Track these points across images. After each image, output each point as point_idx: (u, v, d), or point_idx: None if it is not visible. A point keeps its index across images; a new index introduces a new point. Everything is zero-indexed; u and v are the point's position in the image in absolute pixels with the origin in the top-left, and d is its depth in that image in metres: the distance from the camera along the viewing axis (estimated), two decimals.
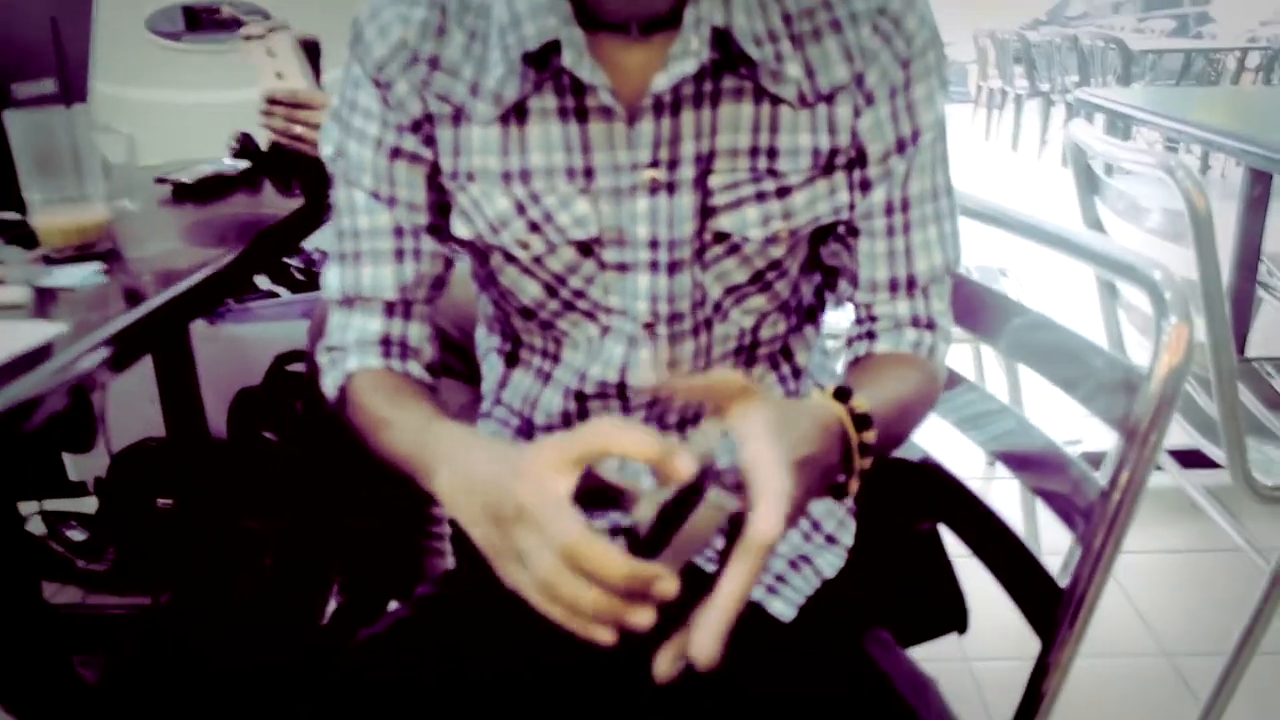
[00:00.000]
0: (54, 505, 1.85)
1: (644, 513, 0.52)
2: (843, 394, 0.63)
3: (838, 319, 0.99)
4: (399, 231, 0.77)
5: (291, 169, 1.32)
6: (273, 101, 1.27)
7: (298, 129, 1.26)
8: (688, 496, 0.52)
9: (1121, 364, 0.79)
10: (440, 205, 0.78)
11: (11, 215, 1.15)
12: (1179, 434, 1.47)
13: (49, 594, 1.74)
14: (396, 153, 0.75)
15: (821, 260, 0.82)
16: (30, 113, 1.04)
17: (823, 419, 0.60)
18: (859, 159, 0.75)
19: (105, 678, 1.48)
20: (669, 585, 0.50)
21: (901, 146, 0.74)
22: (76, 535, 1.83)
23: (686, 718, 0.80)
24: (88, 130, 1.06)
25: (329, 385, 0.81)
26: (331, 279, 0.80)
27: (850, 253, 0.78)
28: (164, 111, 1.97)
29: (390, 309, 0.79)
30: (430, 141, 0.75)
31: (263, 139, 1.55)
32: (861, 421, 0.62)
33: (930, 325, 0.79)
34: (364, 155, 0.76)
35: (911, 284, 0.78)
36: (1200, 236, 1.15)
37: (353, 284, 0.79)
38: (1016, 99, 7.92)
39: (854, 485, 0.64)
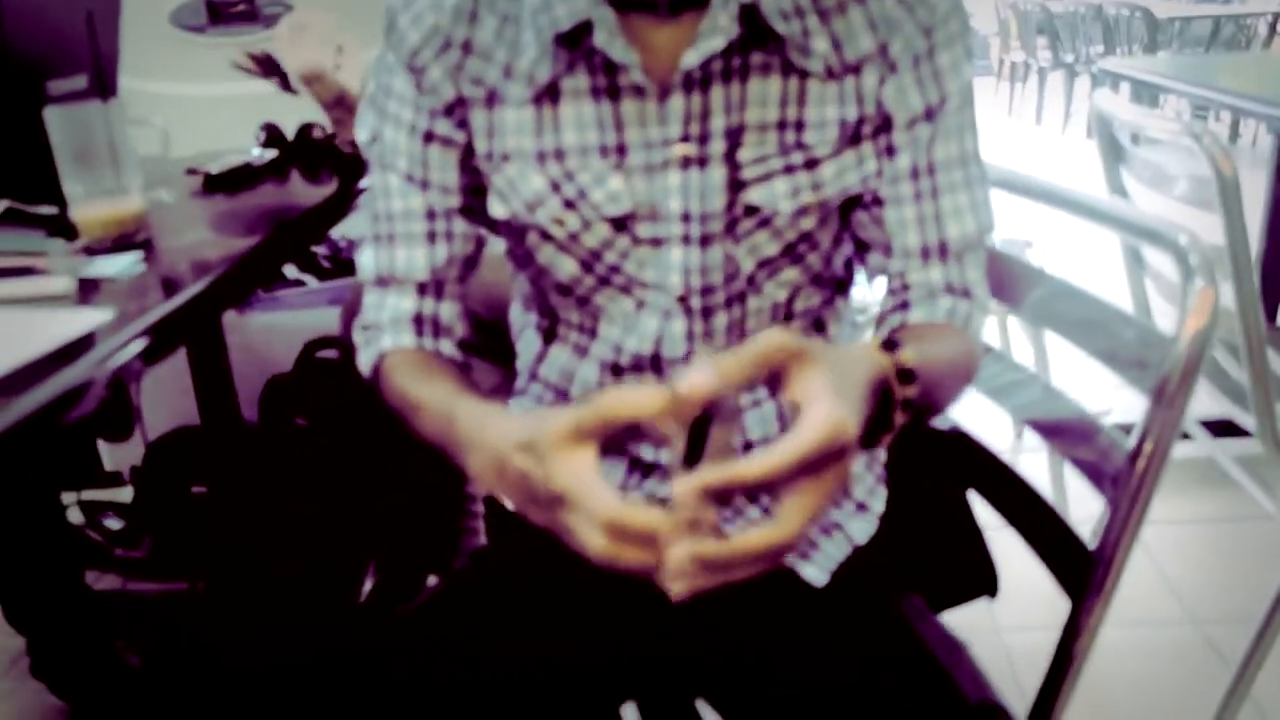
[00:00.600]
0: (91, 495, 1.88)
1: (674, 444, 0.54)
2: (890, 345, 0.63)
3: (863, 294, 1.00)
4: (431, 214, 0.79)
5: (318, 157, 1.34)
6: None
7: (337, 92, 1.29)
8: (701, 426, 0.54)
9: (1148, 329, 0.80)
10: (472, 188, 0.79)
11: (51, 209, 1.17)
12: (1210, 403, 1.47)
13: (89, 581, 1.78)
14: (430, 137, 0.77)
15: (852, 232, 0.83)
16: (68, 109, 1.06)
17: (870, 372, 0.60)
18: (884, 125, 0.75)
19: (147, 661, 1.52)
20: (709, 516, 0.51)
21: (929, 113, 0.75)
22: (113, 524, 1.86)
23: (721, 684, 0.82)
24: (123, 124, 1.09)
25: (364, 362, 0.84)
26: (366, 260, 0.82)
27: (880, 224, 0.79)
28: (191, 104, 1.99)
29: (423, 289, 0.81)
30: (463, 125, 0.77)
31: (289, 129, 1.57)
32: (905, 376, 0.62)
33: (965, 293, 0.79)
34: (399, 140, 0.78)
35: (944, 250, 0.78)
36: (1227, 202, 1.15)
37: (387, 265, 0.81)
38: (1040, 71, 7.81)
39: (886, 440, 0.63)
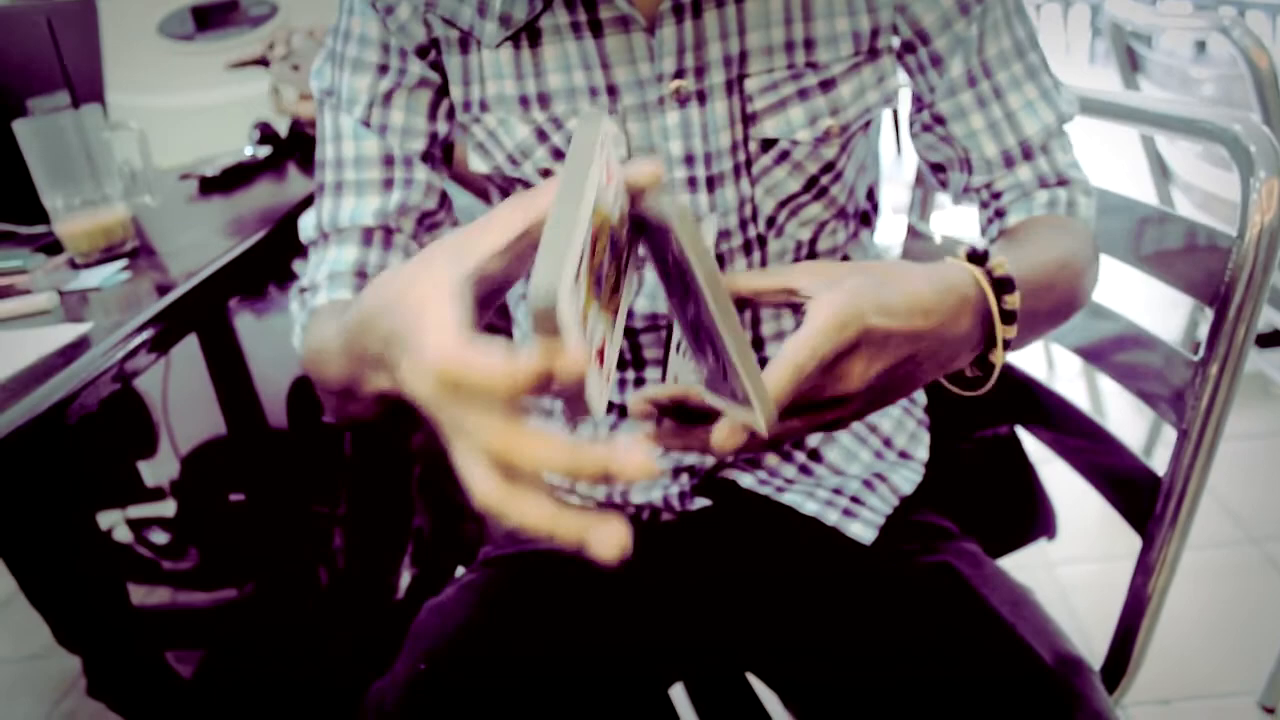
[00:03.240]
0: (136, 512, 1.88)
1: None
2: (976, 256, 0.56)
3: (886, 234, 0.93)
4: (389, 160, 0.71)
5: (313, 149, 1.30)
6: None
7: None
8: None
9: (1209, 229, 0.72)
10: (438, 136, 0.72)
11: (41, 228, 1.14)
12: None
13: (142, 596, 1.78)
14: (401, 75, 0.70)
15: (923, 157, 0.76)
16: (38, 120, 1.02)
17: (948, 283, 0.53)
18: (920, 37, 0.69)
19: (200, 671, 1.51)
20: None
21: (965, 8, 0.68)
22: (159, 538, 1.86)
23: (771, 656, 0.77)
24: (99, 130, 1.05)
25: (297, 335, 0.72)
26: (308, 219, 0.73)
27: (950, 142, 0.72)
28: (183, 114, 1.96)
29: (368, 235, 0.71)
30: (437, 67, 0.71)
31: (282, 126, 1.52)
32: (1002, 285, 0.55)
33: (1062, 182, 0.71)
34: (357, 83, 0.70)
35: (1027, 150, 0.70)
36: (1264, 95, 1.05)
37: (330, 217, 0.72)
38: (1036, 7, 7.64)
39: (998, 355, 0.56)
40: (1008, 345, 0.56)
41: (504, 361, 0.36)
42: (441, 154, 0.74)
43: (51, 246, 1.06)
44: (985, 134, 0.70)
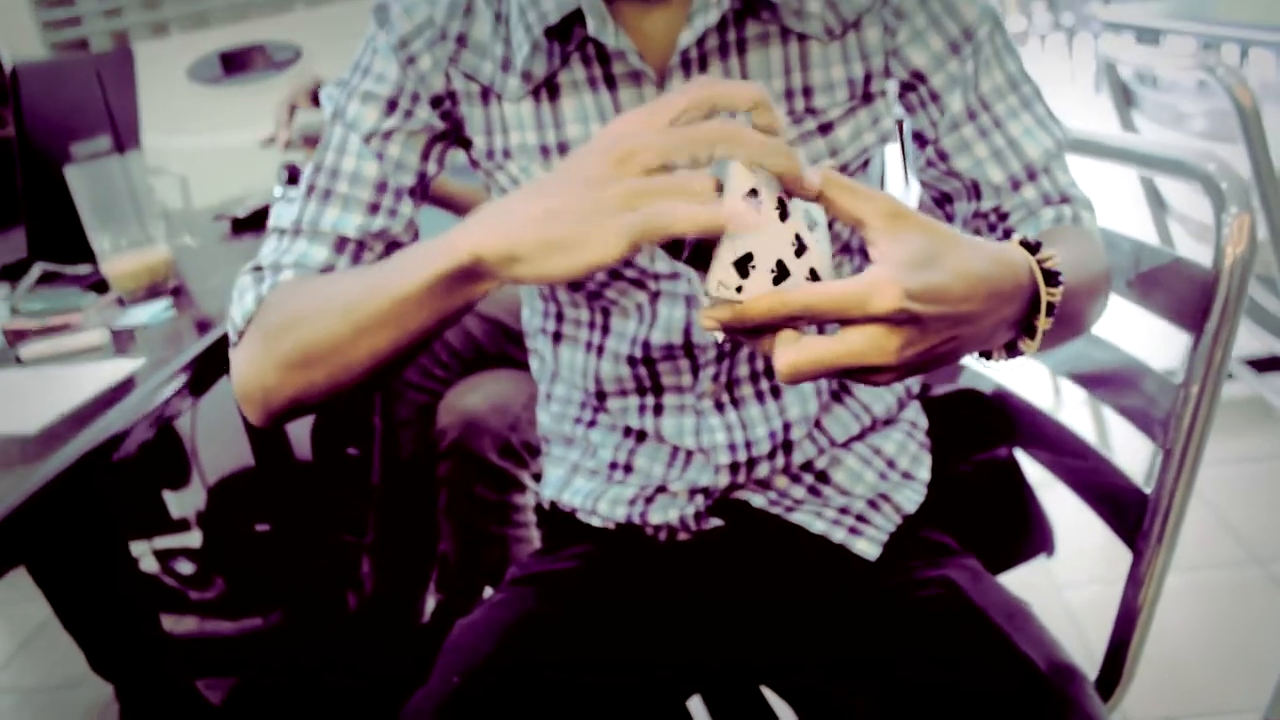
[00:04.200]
0: (162, 543, 1.93)
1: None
2: (1030, 247, 0.56)
3: None
4: (382, 186, 0.75)
5: None
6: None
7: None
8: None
9: (1186, 263, 0.77)
10: (426, 176, 0.77)
11: (86, 268, 1.20)
12: (1252, 340, 1.42)
13: (169, 625, 1.82)
14: (408, 116, 0.74)
15: (928, 194, 0.80)
16: (89, 166, 1.09)
17: (1009, 264, 0.53)
18: (916, 77, 0.73)
19: (229, 698, 1.55)
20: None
21: (955, 48, 0.72)
22: (185, 568, 1.91)
23: (784, 668, 0.81)
24: (142, 175, 1.11)
25: (249, 298, 0.70)
26: (285, 210, 0.75)
27: (956, 175, 0.75)
28: (215, 155, 2.03)
29: (342, 244, 0.73)
30: (447, 117, 0.76)
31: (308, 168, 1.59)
32: (1049, 278, 0.55)
33: (1064, 199, 0.74)
34: (366, 111, 0.75)
35: (1031, 173, 0.74)
36: (1249, 131, 1.11)
37: (311, 218, 0.74)
38: (1041, 37, 7.75)
39: (1028, 345, 0.56)
40: (1039, 337, 0.56)
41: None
42: (423, 192, 0.77)
43: (98, 285, 1.13)
44: (990, 161, 0.74)
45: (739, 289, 0.48)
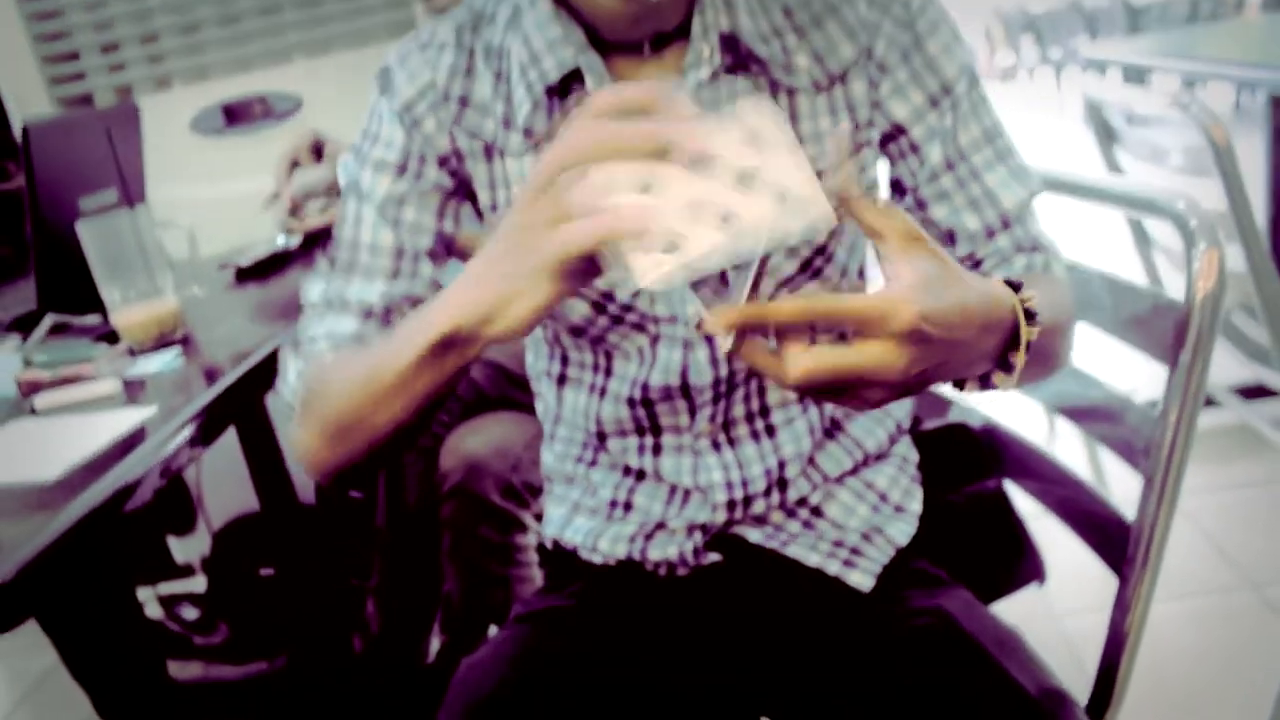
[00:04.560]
0: (167, 588, 1.94)
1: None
2: (1013, 286, 0.60)
3: None
4: (400, 252, 0.79)
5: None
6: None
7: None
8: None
9: (1160, 297, 0.80)
10: (444, 234, 0.80)
11: (95, 318, 1.23)
12: (1239, 370, 1.45)
13: (174, 671, 1.82)
14: (418, 178, 0.78)
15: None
16: (99, 220, 1.12)
17: (996, 300, 0.57)
18: (896, 129, 0.76)
19: None
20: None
21: (935, 102, 0.75)
22: (190, 613, 1.92)
23: (781, 699, 0.83)
24: (151, 228, 1.14)
25: (291, 374, 0.77)
26: (314, 285, 0.80)
27: (933, 224, 0.78)
28: (218, 204, 2.08)
29: (368, 313, 0.78)
30: (455, 175, 0.79)
31: (295, 239, 1.62)
32: (1028, 316, 0.59)
33: (1035, 247, 0.77)
34: (379, 180, 0.78)
35: (1005, 221, 0.77)
36: (1224, 167, 1.14)
37: (338, 291, 0.79)
38: (1030, 71, 7.88)
39: (1004, 380, 0.59)
40: (1010, 371, 0.59)
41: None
42: (445, 250, 0.81)
43: (108, 336, 1.15)
44: (967, 210, 0.77)
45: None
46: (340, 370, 0.71)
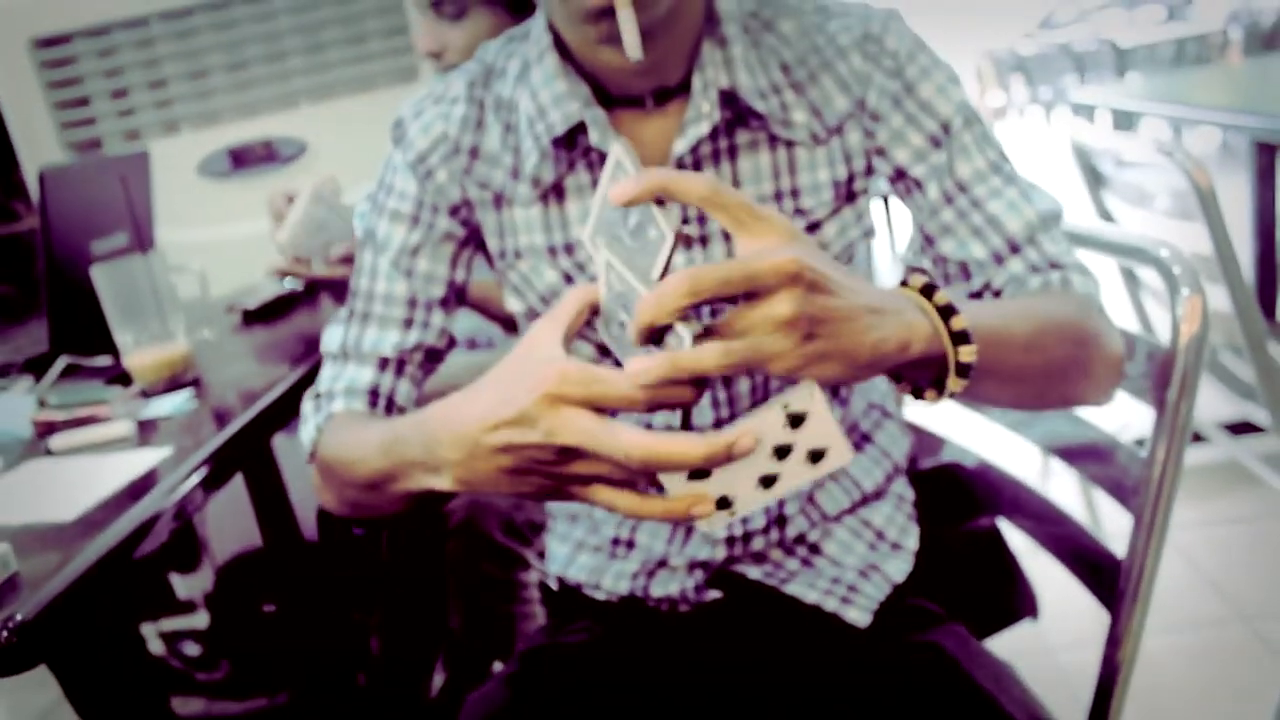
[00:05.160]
0: (169, 625, 1.95)
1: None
2: (945, 311, 0.59)
3: None
4: (413, 302, 0.83)
5: (345, 280, 1.42)
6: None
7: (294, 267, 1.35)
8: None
9: (1146, 342, 0.83)
10: (456, 283, 0.84)
11: (105, 360, 1.26)
12: (1227, 406, 1.47)
13: (176, 707, 1.83)
14: (430, 229, 0.82)
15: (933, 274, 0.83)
16: (113, 265, 1.15)
17: (895, 300, 0.57)
18: (898, 171, 0.78)
19: None
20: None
21: (936, 142, 0.77)
22: (192, 649, 1.92)
23: None
24: (164, 272, 1.17)
25: (308, 431, 0.82)
26: (333, 334, 0.85)
27: (945, 260, 0.79)
28: (225, 246, 2.11)
29: (384, 364, 0.82)
30: (466, 224, 0.83)
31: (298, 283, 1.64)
32: (958, 337, 0.58)
33: (1054, 266, 0.76)
34: (393, 231, 0.82)
35: (1014, 246, 0.76)
36: (1208, 211, 1.18)
37: (355, 341, 0.83)
38: (1019, 112, 8.00)
39: (932, 395, 0.61)
40: (969, 380, 0.59)
41: (625, 373, 0.52)
42: (457, 298, 0.85)
43: (120, 378, 1.18)
44: (972, 239, 0.77)
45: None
46: (347, 442, 0.74)
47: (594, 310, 0.61)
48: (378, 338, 0.82)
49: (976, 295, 0.78)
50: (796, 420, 0.55)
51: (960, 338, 0.58)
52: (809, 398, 0.54)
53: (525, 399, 0.54)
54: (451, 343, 0.86)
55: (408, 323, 0.83)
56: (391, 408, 0.83)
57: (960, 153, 0.77)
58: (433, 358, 0.85)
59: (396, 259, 0.82)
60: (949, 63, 0.80)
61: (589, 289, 0.60)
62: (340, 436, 0.76)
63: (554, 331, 0.58)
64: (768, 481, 0.58)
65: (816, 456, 0.57)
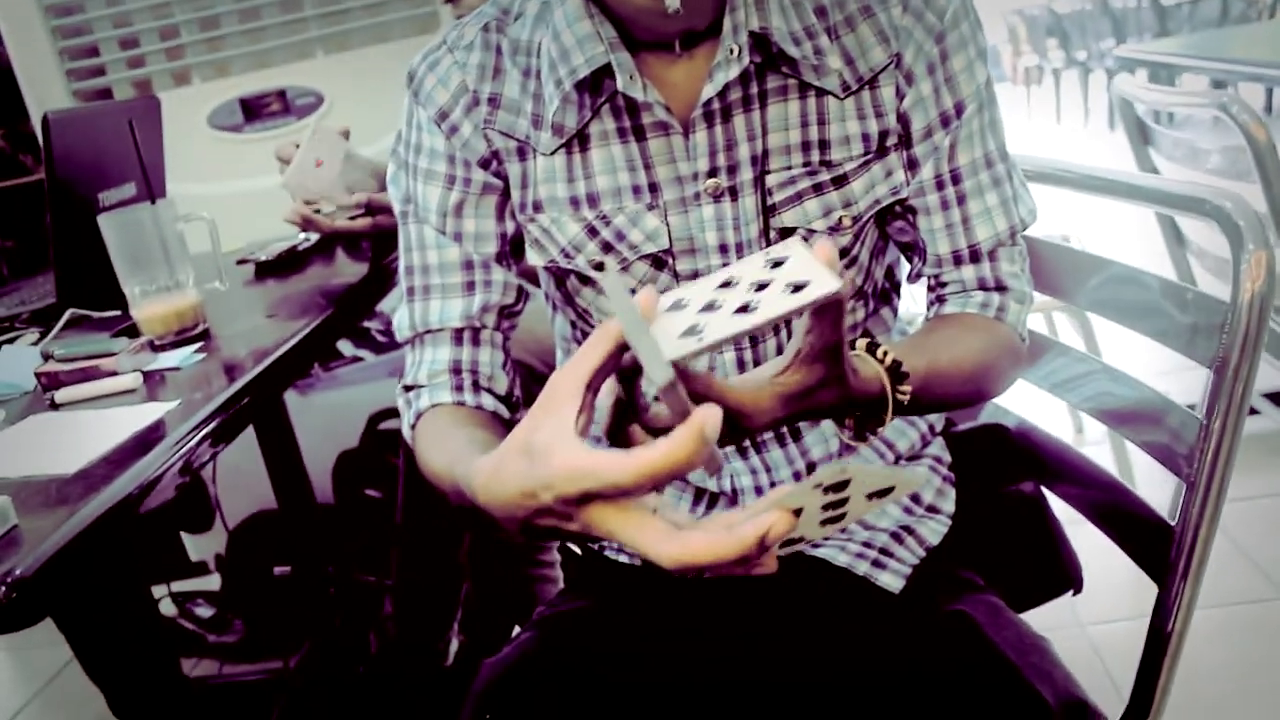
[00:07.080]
0: (180, 586, 1.94)
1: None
2: (879, 353, 0.64)
3: (910, 305, 1.00)
4: (469, 264, 0.79)
5: (358, 234, 1.38)
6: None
7: (309, 213, 1.31)
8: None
9: (1206, 298, 0.78)
10: (508, 235, 0.80)
11: (114, 313, 1.22)
12: (1274, 375, 1.42)
13: (187, 669, 1.82)
14: (467, 184, 0.78)
15: (891, 240, 0.82)
16: (120, 214, 1.11)
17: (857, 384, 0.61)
18: (906, 138, 0.76)
19: None
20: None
21: (945, 121, 0.75)
22: (204, 611, 1.91)
23: (807, 700, 0.81)
24: (172, 222, 1.13)
25: (405, 429, 0.82)
26: (402, 318, 0.82)
27: (915, 232, 0.79)
28: (235, 200, 2.07)
29: (459, 335, 0.80)
30: (500, 175, 0.79)
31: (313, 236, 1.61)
32: (895, 374, 0.63)
33: (1000, 288, 0.79)
34: (431, 194, 0.79)
35: (975, 254, 0.78)
36: (1264, 167, 1.12)
37: (421, 318, 0.80)
38: (1055, 73, 7.77)
39: (876, 429, 0.65)
40: (909, 405, 0.64)
41: (633, 454, 0.47)
42: (511, 251, 0.81)
43: (128, 330, 1.14)
44: (941, 233, 0.77)
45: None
46: (425, 457, 0.74)
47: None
48: (442, 310, 0.80)
49: (924, 277, 0.81)
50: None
51: (899, 376, 0.63)
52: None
53: (546, 496, 0.50)
54: (523, 295, 0.82)
55: (469, 286, 0.79)
56: (478, 382, 0.80)
57: (965, 139, 0.75)
58: (507, 314, 0.82)
59: (441, 224, 0.79)
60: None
61: (613, 329, 0.53)
62: (424, 443, 0.76)
63: (573, 387, 0.52)
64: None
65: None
